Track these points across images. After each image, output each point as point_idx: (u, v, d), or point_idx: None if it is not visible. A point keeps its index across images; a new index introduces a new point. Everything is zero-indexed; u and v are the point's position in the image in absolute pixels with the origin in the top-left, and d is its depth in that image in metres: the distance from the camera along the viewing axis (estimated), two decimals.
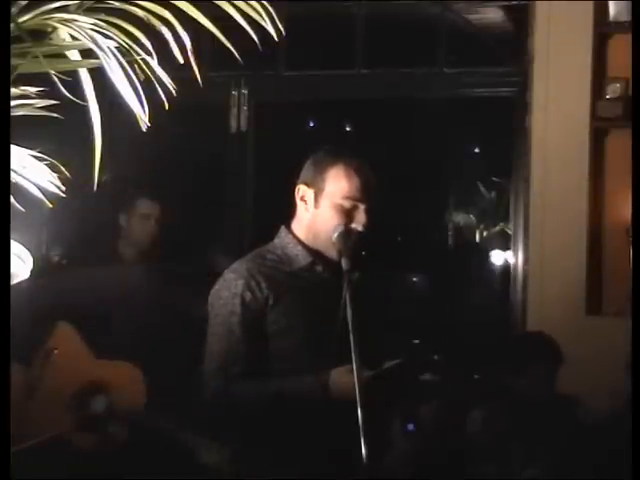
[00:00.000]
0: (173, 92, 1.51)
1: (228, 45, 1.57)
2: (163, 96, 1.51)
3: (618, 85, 4.26)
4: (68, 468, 3.03)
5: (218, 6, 1.51)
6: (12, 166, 1.44)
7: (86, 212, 3.90)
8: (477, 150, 7.41)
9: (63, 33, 1.49)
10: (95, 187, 1.46)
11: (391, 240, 6.58)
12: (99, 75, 1.47)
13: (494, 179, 7.01)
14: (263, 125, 4.91)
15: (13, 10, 1.44)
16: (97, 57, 1.42)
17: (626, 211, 3.83)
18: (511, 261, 4.65)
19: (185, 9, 1.52)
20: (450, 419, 3.81)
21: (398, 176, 5.61)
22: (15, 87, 1.51)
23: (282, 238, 2.77)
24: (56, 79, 1.45)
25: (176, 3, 1.52)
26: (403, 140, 6.27)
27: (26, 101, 1.55)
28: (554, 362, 3.66)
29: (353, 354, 2.39)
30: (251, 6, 1.52)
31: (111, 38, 1.47)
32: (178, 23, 1.51)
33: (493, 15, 4.81)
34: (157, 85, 1.50)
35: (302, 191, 2.73)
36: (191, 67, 1.55)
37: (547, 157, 4.36)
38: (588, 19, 4.28)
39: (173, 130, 3.92)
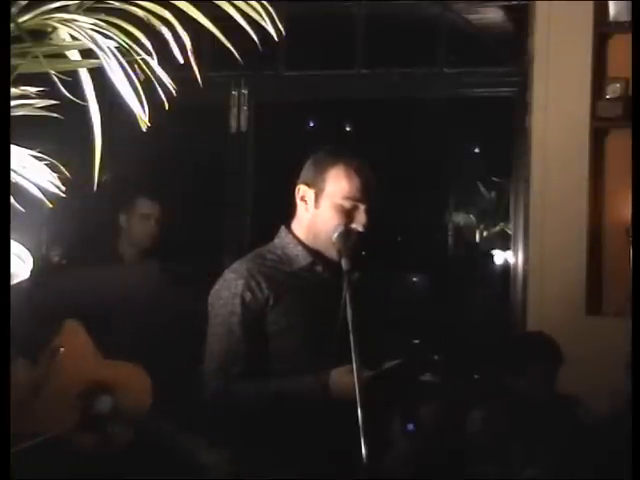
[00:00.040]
0: (173, 92, 1.51)
1: (228, 45, 1.57)
2: (163, 96, 1.51)
3: (618, 85, 4.26)
4: (68, 468, 3.03)
5: (218, 6, 1.51)
6: (12, 166, 1.44)
7: (86, 212, 3.90)
8: (477, 150, 7.41)
9: (63, 33, 1.49)
10: (95, 187, 1.46)
11: (391, 240, 6.58)
12: (99, 75, 1.47)
13: (494, 179, 7.01)
14: (263, 125, 4.91)
15: (13, 10, 1.44)
16: (97, 57, 1.42)
17: (626, 211, 3.83)
18: (511, 261, 4.65)
19: (185, 9, 1.52)
20: (450, 419, 3.81)
21: (398, 176, 5.61)
22: (15, 87, 1.51)
23: (282, 238, 2.77)
24: (56, 79, 1.45)
25: (176, 3, 1.52)
26: (403, 140, 6.27)
27: (26, 101, 1.55)
28: (554, 362, 3.66)
29: (353, 354, 2.39)
30: (251, 6, 1.52)
31: (111, 38, 1.47)
32: (178, 23, 1.51)
33: (493, 15, 4.81)
34: (157, 85, 1.50)
35: (302, 191, 2.73)
36: (191, 67, 1.55)
37: (547, 157, 4.36)
38: (588, 19, 4.28)
39: (173, 130, 3.92)
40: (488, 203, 7.27)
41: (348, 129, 6.91)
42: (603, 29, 4.31)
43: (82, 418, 3.12)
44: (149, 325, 3.60)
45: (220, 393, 2.64)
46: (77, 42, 1.47)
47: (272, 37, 1.55)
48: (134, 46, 1.49)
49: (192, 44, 1.53)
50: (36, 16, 1.47)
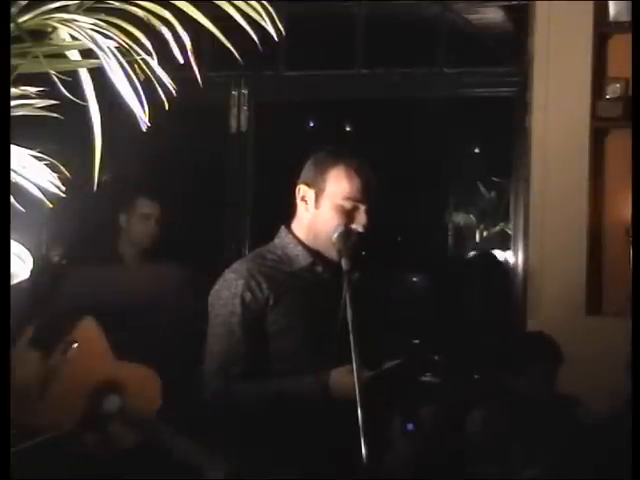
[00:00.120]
0: (173, 92, 1.51)
1: (228, 45, 1.57)
2: (163, 96, 1.51)
3: (618, 85, 4.26)
4: (68, 468, 3.03)
5: (218, 6, 1.51)
6: (12, 166, 1.44)
7: (86, 212, 3.90)
8: (477, 150, 7.41)
9: (63, 33, 1.49)
10: (95, 187, 1.46)
11: (391, 240, 6.58)
12: (99, 75, 1.47)
13: (494, 179, 7.02)
14: (263, 125, 4.91)
15: (13, 10, 1.44)
16: (97, 57, 1.42)
17: (626, 211, 3.83)
18: (511, 261, 4.65)
19: (185, 9, 1.52)
20: (450, 419, 3.81)
21: (398, 176, 5.61)
22: (15, 87, 1.51)
23: (282, 238, 2.78)
24: (56, 79, 1.45)
25: (176, 3, 1.52)
26: (403, 140, 6.27)
27: (26, 101, 1.55)
28: (554, 362, 3.66)
29: (353, 354, 2.39)
30: (251, 6, 1.52)
31: (111, 38, 1.47)
32: (178, 23, 1.51)
33: (493, 15, 4.81)
34: (157, 85, 1.50)
35: (303, 191, 2.73)
36: (191, 67, 1.55)
37: (547, 157, 4.36)
38: (588, 19, 4.28)
39: (173, 130, 3.92)
40: (488, 203, 7.28)
41: (348, 129, 6.91)
42: (603, 29, 4.31)
43: (89, 415, 3.11)
44: (166, 328, 3.60)
45: (220, 393, 2.65)
46: (77, 42, 1.47)
47: (272, 37, 1.55)
48: (134, 46, 1.49)
49: (192, 44, 1.53)
50: (36, 16, 1.47)
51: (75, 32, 1.46)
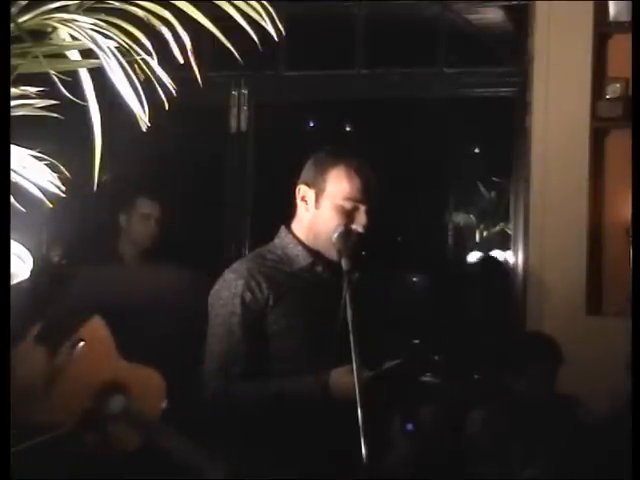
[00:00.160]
0: (173, 92, 1.51)
1: (228, 45, 1.57)
2: (163, 96, 1.51)
3: (618, 85, 4.26)
4: (69, 468, 3.03)
5: (218, 6, 1.51)
6: (12, 166, 1.44)
7: (86, 212, 3.90)
8: (477, 150, 7.41)
9: (63, 33, 1.49)
10: (95, 187, 1.46)
11: (391, 240, 6.59)
12: (99, 75, 1.47)
13: (494, 179, 7.02)
14: (263, 125, 4.91)
15: (13, 10, 1.44)
16: (97, 57, 1.42)
17: (626, 211, 3.83)
18: (511, 261, 4.65)
19: (185, 9, 1.52)
20: (450, 419, 3.81)
21: (398, 176, 5.61)
22: (15, 87, 1.51)
23: (282, 238, 2.78)
24: (56, 79, 1.45)
25: (176, 3, 1.52)
26: (403, 140, 6.27)
27: (26, 101, 1.55)
28: (554, 362, 3.65)
29: (353, 354, 2.39)
30: (251, 6, 1.52)
31: (111, 38, 1.47)
32: (178, 23, 1.51)
33: (493, 15, 4.81)
34: (157, 85, 1.50)
35: (303, 191, 2.73)
36: (191, 67, 1.55)
37: (547, 157, 4.35)
38: (588, 19, 4.28)
39: (173, 130, 3.92)
40: (488, 203, 7.28)
41: (348, 129, 6.91)
42: (603, 29, 4.31)
43: (93, 415, 3.10)
44: (167, 328, 3.60)
45: (220, 393, 2.65)
46: (77, 42, 1.48)
47: (272, 37, 1.55)
48: (134, 46, 1.49)
49: (192, 44, 1.53)
50: (36, 16, 1.47)
51: (75, 32, 1.46)
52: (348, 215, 2.67)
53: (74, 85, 1.47)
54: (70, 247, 4.26)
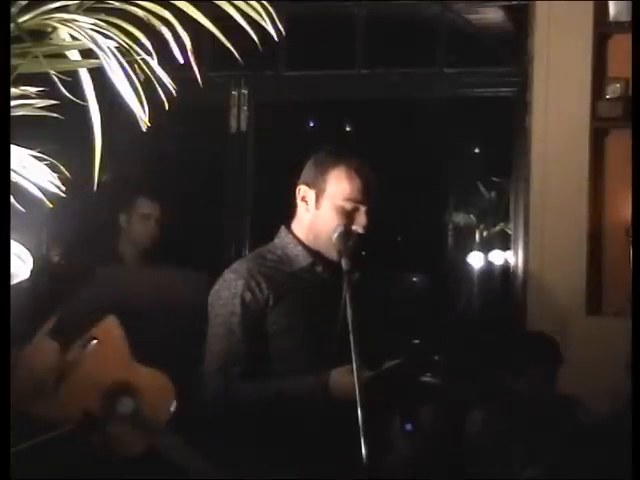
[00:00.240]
0: (173, 92, 1.51)
1: (228, 45, 1.57)
2: (163, 96, 1.51)
3: (618, 85, 4.26)
4: (70, 468, 3.02)
5: (218, 6, 1.51)
6: (12, 166, 1.44)
7: (86, 212, 3.89)
8: (477, 150, 7.41)
9: (63, 33, 1.49)
10: (95, 187, 1.46)
11: (391, 240, 6.58)
12: (99, 75, 1.47)
13: (494, 179, 7.01)
14: (263, 125, 4.91)
15: (13, 10, 1.44)
16: (97, 57, 1.42)
17: (626, 211, 3.82)
18: (511, 261, 4.65)
19: (185, 9, 1.52)
20: (450, 419, 3.81)
21: (398, 176, 5.61)
22: (15, 87, 1.51)
23: (282, 238, 2.78)
24: (56, 79, 1.45)
25: (176, 3, 1.52)
26: (403, 140, 6.27)
27: (26, 101, 1.55)
28: (554, 362, 3.66)
29: (353, 354, 2.39)
30: (251, 6, 1.52)
31: (111, 38, 1.47)
32: (178, 23, 1.51)
33: (493, 15, 4.80)
34: (157, 85, 1.50)
35: (303, 192, 2.73)
36: (191, 67, 1.55)
37: (547, 157, 4.35)
38: (588, 19, 4.28)
39: (173, 130, 3.92)
40: (488, 203, 7.27)
41: (348, 129, 6.91)
42: (603, 29, 4.31)
43: (100, 415, 3.09)
44: (168, 328, 3.59)
45: (220, 393, 2.65)
46: (77, 42, 1.47)
47: (272, 37, 1.55)
48: (134, 46, 1.49)
49: (192, 44, 1.53)
50: (36, 16, 1.47)
51: (75, 32, 1.46)
52: (348, 215, 2.67)
53: (74, 85, 1.47)
54: (70, 247, 4.26)
